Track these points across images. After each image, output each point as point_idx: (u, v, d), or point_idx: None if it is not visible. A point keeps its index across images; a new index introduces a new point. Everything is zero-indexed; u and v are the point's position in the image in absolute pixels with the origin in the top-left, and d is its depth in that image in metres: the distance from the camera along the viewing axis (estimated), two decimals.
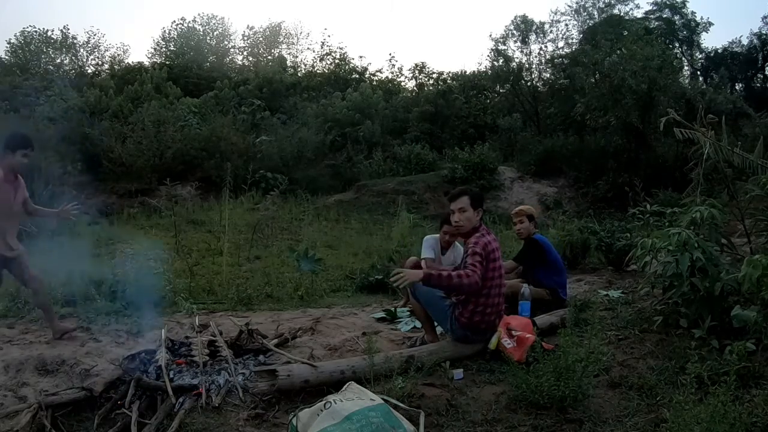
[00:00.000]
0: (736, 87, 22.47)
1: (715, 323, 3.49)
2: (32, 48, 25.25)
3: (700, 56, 23.71)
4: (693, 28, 22.97)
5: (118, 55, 29.38)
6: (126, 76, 23.43)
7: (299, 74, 26.81)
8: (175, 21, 35.06)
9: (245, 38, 32.28)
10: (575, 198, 14.88)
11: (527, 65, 20.94)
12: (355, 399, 2.51)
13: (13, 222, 4.01)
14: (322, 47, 30.63)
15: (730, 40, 24.63)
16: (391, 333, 4.46)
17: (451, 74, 24.62)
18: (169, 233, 7.56)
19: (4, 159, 3.85)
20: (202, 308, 5.10)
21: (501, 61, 20.84)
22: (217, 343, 3.51)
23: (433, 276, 3.38)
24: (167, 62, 26.80)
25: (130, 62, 27.86)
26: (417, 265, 4.84)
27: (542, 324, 4.06)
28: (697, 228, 3.91)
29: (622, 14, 22.04)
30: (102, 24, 66.96)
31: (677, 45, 22.62)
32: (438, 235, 5.24)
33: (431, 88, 23.52)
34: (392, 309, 5.00)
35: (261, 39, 31.95)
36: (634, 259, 4.37)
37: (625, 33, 18.79)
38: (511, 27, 21.06)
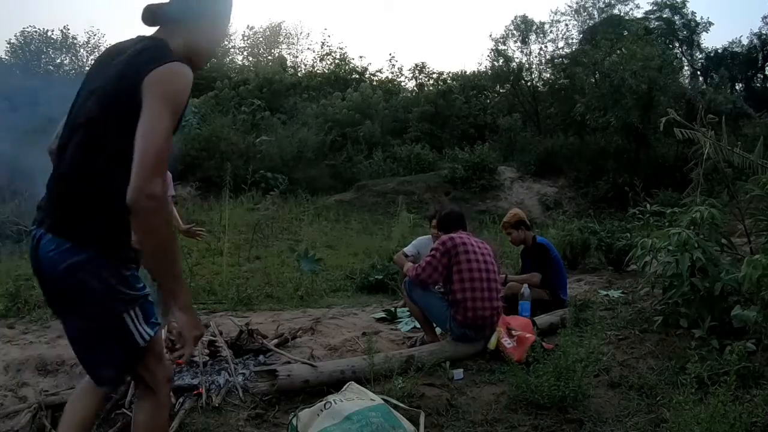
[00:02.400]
0: (736, 87, 22.47)
1: (715, 323, 3.48)
2: (32, 48, 25.24)
3: (700, 56, 23.72)
4: (693, 28, 22.95)
5: None
6: None
7: (299, 74, 26.81)
8: None
9: (245, 38, 32.29)
10: (575, 198, 14.89)
11: (527, 65, 20.96)
12: (355, 399, 2.51)
13: None
14: (322, 47, 30.68)
15: (730, 40, 24.63)
16: (391, 333, 4.46)
17: (451, 74, 24.70)
18: None
19: None
20: (203, 308, 5.10)
21: (501, 61, 20.84)
22: (217, 343, 3.51)
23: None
24: None
25: None
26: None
27: (542, 324, 4.06)
28: (697, 228, 3.90)
29: (622, 14, 22.04)
30: (102, 24, 66.97)
31: (677, 45, 22.61)
32: (430, 236, 5.31)
33: (431, 88, 23.56)
34: (392, 309, 5.00)
35: (261, 39, 31.97)
36: (634, 259, 4.37)
37: (625, 33, 18.80)
38: (511, 27, 21.09)
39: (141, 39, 1.71)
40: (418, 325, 4.18)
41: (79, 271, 1.56)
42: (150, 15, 1.75)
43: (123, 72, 1.58)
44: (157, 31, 1.75)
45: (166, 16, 1.73)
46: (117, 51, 1.70)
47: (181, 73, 1.57)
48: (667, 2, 22.72)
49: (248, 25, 48.43)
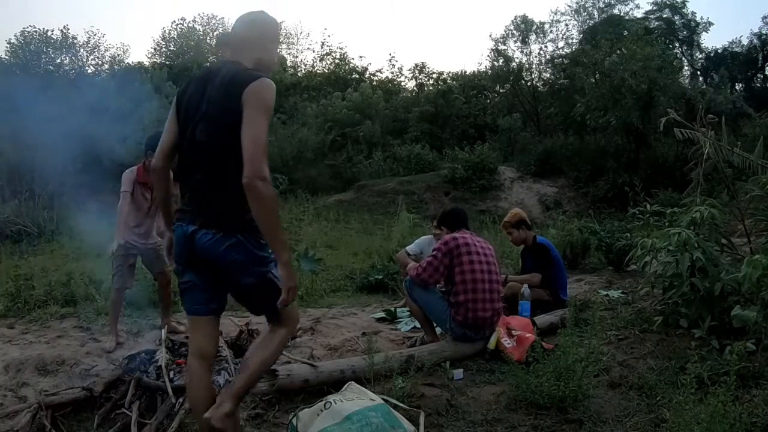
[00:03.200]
0: (736, 87, 22.43)
1: (715, 323, 3.48)
2: (32, 48, 25.21)
3: (700, 56, 23.68)
4: (693, 28, 22.92)
5: (118, 55, 29.33)
6: (126, 76, 23.38)
7: (299, 74, 26.77)
8: (175, 21, 35.05)
9: None
10: (575, 198, 14.87)
11: (527, 65, 20.93)
12: (355, 399, 2.51)
13: (151, 219, 4.17)
14: (322, 47, 30.69)
15: (730, 40, 24.58)
16: (391, 333, 4.47)
17: (451, 74, 24.63)
18: None
19: (145, 160, 3.90)
20: None
21: (501, 61, 20.82)
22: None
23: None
24: (167, 62, 26.75)
25: (130, 62, 27.83)
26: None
27: (542, 324, 4.06)
28: (697, 228, 3.90)
29: (622, 14, 22.02)
30: (102, 24, 66.84)
31: (677, 45, 22.57)
32: (432, 236, 5.30)
33: (431, 88, 23.50)
34: (392, 309, 5.01)
35: None
36: (634, 259, 4.37)
37: (625, 33, 18.77)
38: (511, 27, 21.06)
39: (226, 63, 2.20)
40: (418, 325, 4.19)
41: (232, 251, 2.06)
42: (223, 42, 2.40)
43: (228, 89, 2.05)
44: (232, 53, 2.26)
45: (236, 40, 2.26)
46: (208, 77, 2.16)
47: (270, 85, 2.05)
48: (667, 2, 22.68)
49: None
